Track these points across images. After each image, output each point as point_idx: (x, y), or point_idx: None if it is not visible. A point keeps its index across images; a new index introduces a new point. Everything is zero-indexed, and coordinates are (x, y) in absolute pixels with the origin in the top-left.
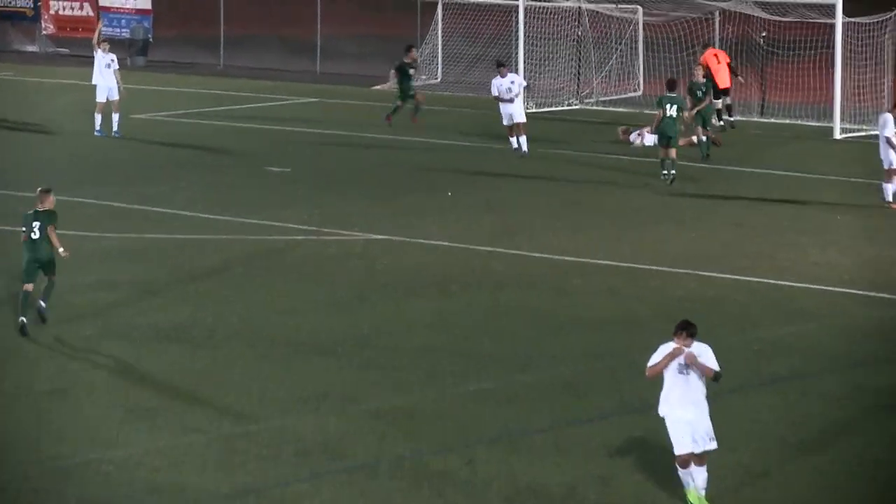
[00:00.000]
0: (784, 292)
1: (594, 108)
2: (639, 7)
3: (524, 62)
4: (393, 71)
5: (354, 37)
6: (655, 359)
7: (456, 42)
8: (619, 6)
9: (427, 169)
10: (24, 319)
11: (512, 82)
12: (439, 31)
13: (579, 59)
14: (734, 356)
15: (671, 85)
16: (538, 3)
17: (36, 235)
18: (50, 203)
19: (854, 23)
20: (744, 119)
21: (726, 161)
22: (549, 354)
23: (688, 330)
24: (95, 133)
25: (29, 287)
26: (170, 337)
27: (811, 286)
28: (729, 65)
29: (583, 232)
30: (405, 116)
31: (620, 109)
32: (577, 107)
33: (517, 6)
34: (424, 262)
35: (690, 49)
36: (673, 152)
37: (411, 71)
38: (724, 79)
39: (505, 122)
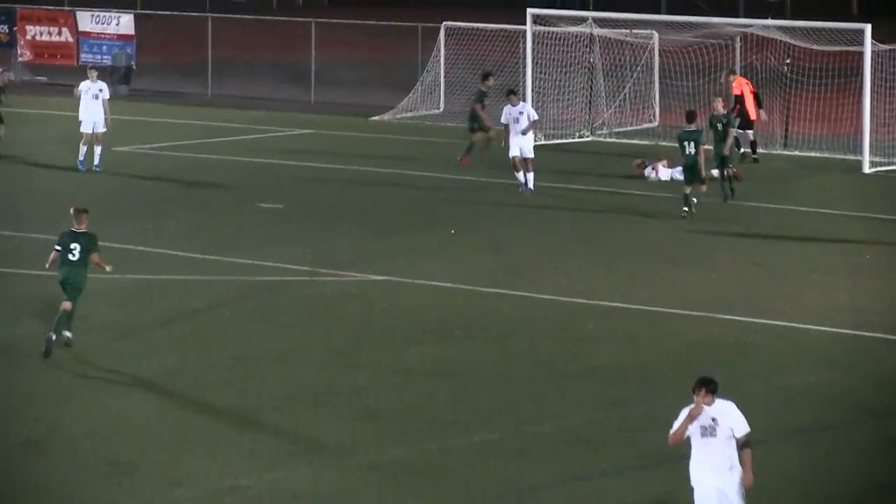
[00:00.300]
0: (810, 337)
1: (607, 139)
2: (654, 32)
3: (532, 91)
4: (478, 105)
5: (351, 63)
6: (676, 424)
7: (459, 70)
8: (634, 31)
9: (429, 205)
10: (54, 337)
11: (521, 112)
12: (441, 58)
13: (591, 88)
14: (757, 405)
15: (690, 117)
16: (547, 29)
17: (75, 257)
18: (87, 223)
19: (885, 50)
20: (766, 152)
21: (748, 196)
22: (560, 404)
23: (707, 386)
24: (78, 166)
25: (66, 305)
26: (153, 385)
27: (839, 331)
28: (755, 94)
29: (595, 272)
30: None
31: (635, 141)
32: (588, 138)
33: (524, 31)
34: (425, 305)
35: (709, 76)
36: (702, 187)
37: (485, 101)
38: (752, 110)
39: (511, 154)
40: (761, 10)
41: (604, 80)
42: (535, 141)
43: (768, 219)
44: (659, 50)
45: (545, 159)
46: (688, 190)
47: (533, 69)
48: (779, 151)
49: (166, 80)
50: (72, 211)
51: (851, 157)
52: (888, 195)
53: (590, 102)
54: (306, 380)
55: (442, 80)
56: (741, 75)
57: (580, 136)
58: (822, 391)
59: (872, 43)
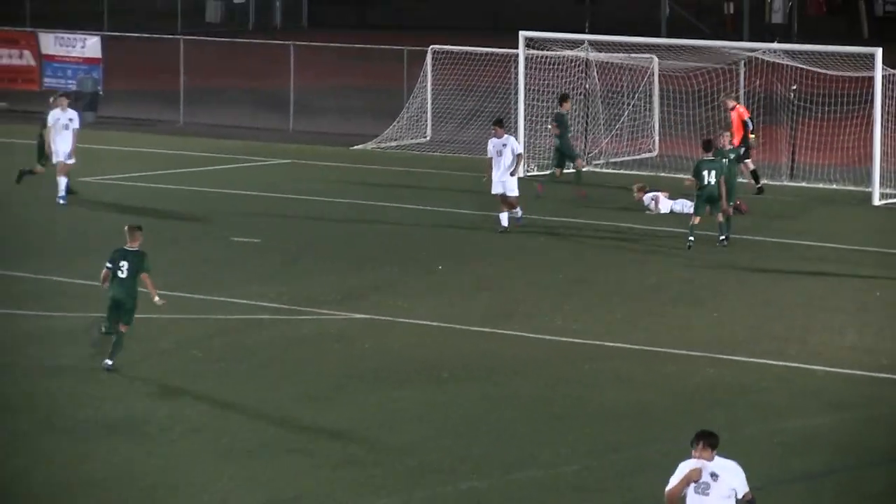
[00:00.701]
0: (816, 379)
1: (604, 170)
2: (654, 56)
3: (524, 118)
4: (552, 124)
5: (333, 89)
6: (673, 481)
7: (447, 96)
8: (632, 55)
9: (414, 240)
10: (109, 363)
11: (504, 145)
12: (429, 84)
13: (587, 116)
14: (760, 450)
15: (707, 146)
16: (540, 53)
17: (123, 275)
18: (139, 241)
19: None
20: (772, 183)
21: (752, 231)
22: (552, 450)
23: (706, 440)
24: (59, 201)
25: (122, 329)
26: (120, 432)
27: (847, 372)
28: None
29: (590, 312)
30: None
31: (633, 172)
32: (584, 169)
33: (517, 55)
34: (411, 346)
35: (712, 104)
36: (720, 216)
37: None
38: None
39: (493, 191)
40: (766, 33)
41: (601, 107)
42: (525, 173)
43: (773, 254)
44: (659, 75)
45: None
46: (696, 220)
47: (525, 95)
48: (785, 183)
49: (135, 107)
50: (126, 228)
51: (861, 188)
52: None
53: (585, 131)
54: (283, 425)
55: (429, 106)
56: (746, 101)
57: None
58: (828, 435)
59: (883, 68)
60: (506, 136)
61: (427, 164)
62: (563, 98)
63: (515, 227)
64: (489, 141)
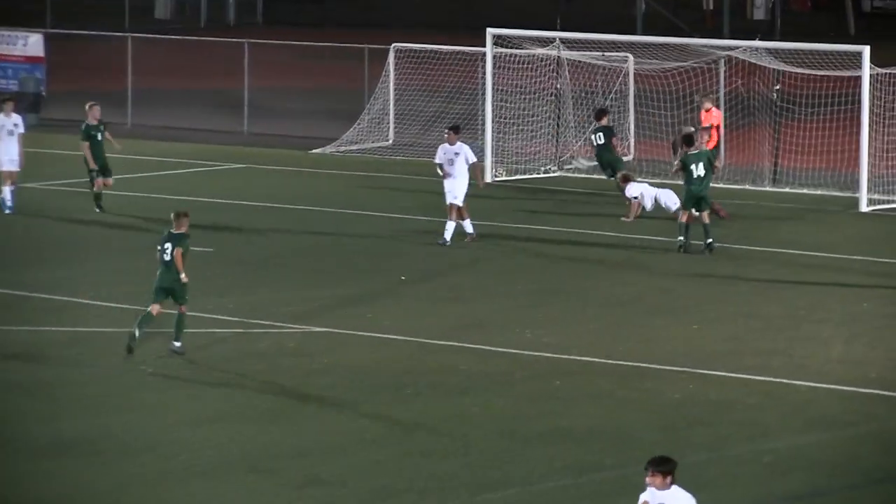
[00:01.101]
0: (802, 395)
1: (576, 175)
2: (629, 55)
3: (492, 121)
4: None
5: (290, 90)
6: None
7: (411, 97)
8: (606, 54)
9: (377, 249)
10: (137, 333)
11: (457, 153)
12: (391, 84)
13: (558, 117)
14: (745, 471)
15: (690, 140)
16: (509, 51)
17: (168, 258)
18: (185, 227)
19: (885, 74)
20: (753, 189)
21: (733, 239)
22: (523, 470)
23: (655, 467)
24: (6, 210)
25: (153, 309)
26: (72, 451)
27: (834, 387)
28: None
29: (564, 324)
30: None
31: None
32: (556, 174)
33: (484, 54)
34: (374, 361)
35: (691, 105)
36: (705, 215)
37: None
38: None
39: (447, 200)
40: (748, 31)
41: (573, 109)
42: (493, 178)
43: (756, 263)
44: (634, 75)
45: (507, 198)
46: (685, 217)
47: (493, 96)
48: (767, 188)
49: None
50: (172, 215)
51: (848, 194)
52: (888, 236)
53: (557, 133)
54: (240, 444)
55: (391, 108)
56: (724, 103)
57: (546, 171)
58: (816, 455)
59: (871, 67)
60: (459, 143)
61: (390, 169)
62: (602, 113)
63: (468, 242)
64: (440, 147)
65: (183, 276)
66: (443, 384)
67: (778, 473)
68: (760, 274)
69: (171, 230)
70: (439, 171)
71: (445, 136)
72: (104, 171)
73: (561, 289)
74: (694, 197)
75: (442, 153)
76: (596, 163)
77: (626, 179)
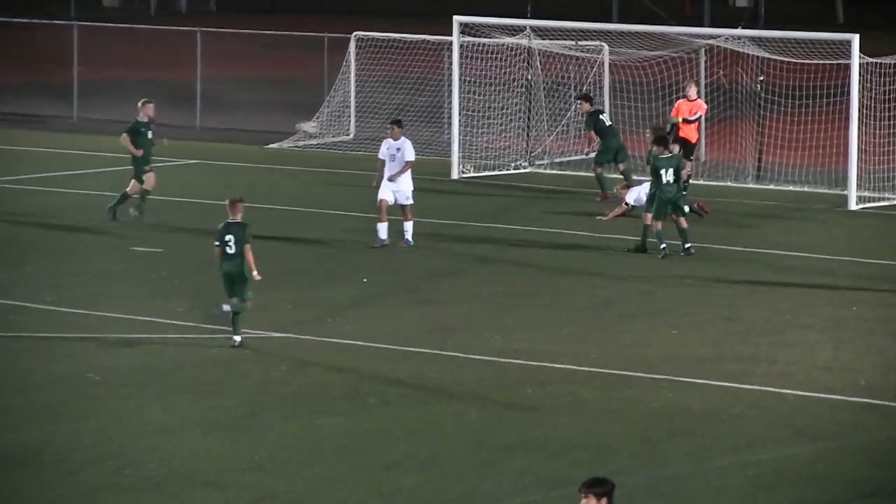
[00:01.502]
0: (788, 404)
1: (548, 171)
2: (604, 45)
3: (459, 114)
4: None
5: (244, 81)
6: None
7: (373, 88)
8: (580, 43)
9: (337, 250)
10: (237, 340)
11: (398, 149)
12: (352, 75)
13: (529, 110)
14: (726, 484)
15: (663, 141)
16: (477, 40)
17: (232, 250)
18: (242, 213)
19: (875, 64)
20: (736, 186)
21: (713, 239)
22: (494, 484)
23: (594, 489)
24: None
25: (232, 301)
26: (11, 462)
27: (822, 396)
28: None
29: (538, 330)
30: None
31: (581, 173)
32: (527, 170)
33: (450, 43)
34: (335, 368)
35: (670, 97)
36: (683, 220)
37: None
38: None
39: (379, 197)
40: (730, 18)
41: (545, 101)
42: (462, 171)
43: (738, 264)
44: (609, 65)
45: (476, 196)
46: (659, 225)
47: (460, 87)
48: (751, 185)
49: (23, 102)
50: (227, 202)
51: (836, 191)
52: (879, 235)
53: (528, 127)
54: (192, 455)
55: (352, 100)
56: (706, 94)
57: (517, 168)
58: (802, 467)
59: (860, 56)
60: (403, 138)
61: (351, 165)
62: (585, 98)
63: (399, 246)
64: (384, 142)
65: (255, 273)
66: (408, 393)
67: (763, 487)
68: (743, 276)
69: (228, 219)
70: (378, 167)
71: (388, 130)
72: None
73: (533, 292)
74: (666, 203)
75: (385, 148)
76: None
77: (628, 187)
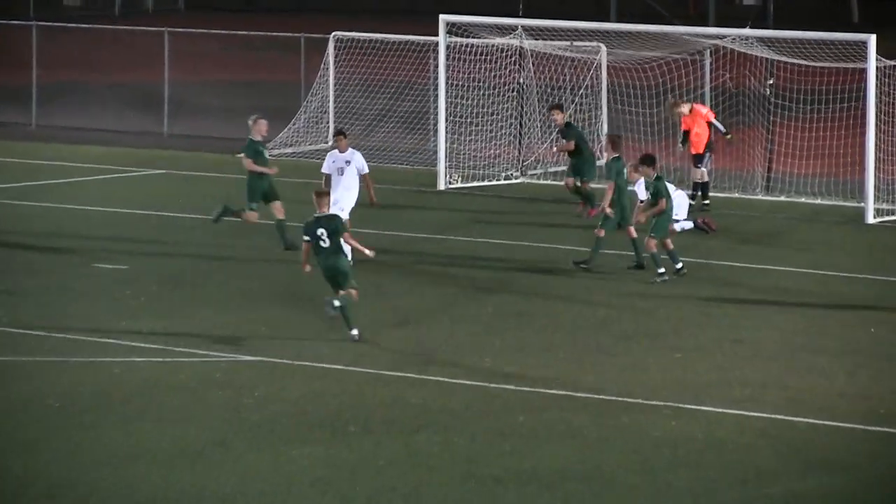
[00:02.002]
0: (800, 433)
1: (541, 181)
2: (601, 45)
3: (445, 120)
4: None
5: (215, 85)
6: None
7: (353, 92)
8: (575, 44)
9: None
10: (355, 334)
11: (348, 161)
12: (331, 78)
13: (521, 116)
14: None
15: (650, 161)
16: (465, 41)
17: (326, 244)
18: (328, 206)
19: (893, 66)
20: (743, 197)
21: (719, 254)
22: None
23: None
24: None
25: (339, 296)
26: None
27: (836, 424)
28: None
29: (529, 352)
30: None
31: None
32: (518, 180)
33: (436, 44)
34: (312, 394)
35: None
36: (668, 242)
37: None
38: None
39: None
40: (737, 17)
41: (538, 106)
42: (448, 181)
43: (746, 282)
44: (607, 67)
45: (463, 208)
46: (657, 246)
47: (447, 92)
48: (759, 196)
49: None
50: (313, 196)
51: (851, 203)
52: None
53: (520, 134)
54: (156, 488)
55: (331, 105)
56: (710, 100)
57: (507, 178)
58: (815, 501)
59: (877, 58)
60: (350, 150)
61: None
62: (555, 106)
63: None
64: (328, 154)
65: (368, 251)
66: (391, 420)
67: None
68: (751, 294)
69: (316, 214)
70: (324, 182)
71: (334, 141)
72: (268, 196)
73: (524, 311)
74: (667, 224)
75: (330, 161)
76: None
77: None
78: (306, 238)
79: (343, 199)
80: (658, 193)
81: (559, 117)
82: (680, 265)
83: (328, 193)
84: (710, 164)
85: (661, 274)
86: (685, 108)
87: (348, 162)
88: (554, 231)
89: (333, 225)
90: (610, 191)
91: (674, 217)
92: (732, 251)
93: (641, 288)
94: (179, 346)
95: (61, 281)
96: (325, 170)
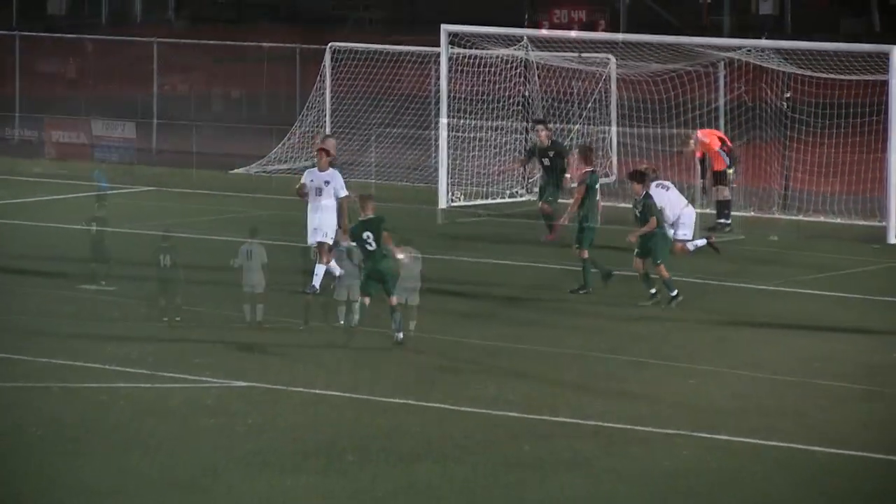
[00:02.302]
0: (819, 463)
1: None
2: (610, 57)
3: (447, 134)
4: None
5: (207, 97)
6: None
7: (351, 105)
8: (584, 55)
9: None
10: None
11: (327, 182)
12: (327, 90)
13: (527, 130)
14: None
15: (641, 177)
16: (468, 52)
17: (372, 247)
18: (373, 209)
19: None
20: (759, 216)
21: (733, 276)
22: None
23: None
24: None
25: (365, 300)
26: None
27: (857, 454)
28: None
29: (532, 378)
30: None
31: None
32: (523, 198)
33: (437, 55)
34: (307, 422)
35: (685, 116)
36: (662, 269)
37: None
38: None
39: (310, 240)
40: (752, 28)
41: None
42: (451, 200)
43: (761, 305)
44: (617, 80)
45: (466, 227)
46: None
47: (449, 105)
48: (776, 215)
49: None
50: (357, 200)
51: (872, 222)
52: None
53: (525, 150)
54: None
55: (327, 119)
56: (724, 113)
57: (512, 195)
58: None
59: None
60: (331, 170)
61: None
62: (539, 123)
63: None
64: (306, 172)
65: (400, 255)
66: (390, 449)
67: None
68: (767, 318)
69: (361, 217)
70: (303, 198)
71: (314, 158)
72: None
73: (526, 335)
74: (666, 247)
75: (309, 180)
76: None
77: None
78: (353, 243)
79: (325, 224)
80: (648, 212)
81: (544, 135)
82: (654, 290)
83: (370, 197)
84: (739, 175)
85: (675, 296)
86: (691, 145)
87: (327, 182)
88: (561, 251)
89: (379, 226)
90: (575, 204)
91: (682, 236)
92: (748, 272)
93: (651, 310)
94: (168, 371)
95: (46, 303)
96: (304, 181)
